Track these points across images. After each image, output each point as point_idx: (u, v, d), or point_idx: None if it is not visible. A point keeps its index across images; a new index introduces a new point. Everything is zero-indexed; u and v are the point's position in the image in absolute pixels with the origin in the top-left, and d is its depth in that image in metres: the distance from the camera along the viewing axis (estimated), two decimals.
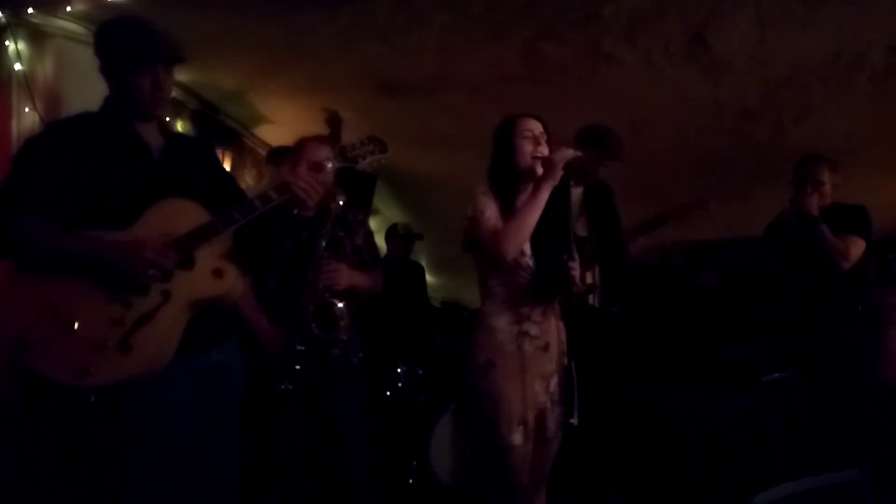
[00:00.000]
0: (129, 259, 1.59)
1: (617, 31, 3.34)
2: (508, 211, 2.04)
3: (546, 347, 2.05)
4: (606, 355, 2.96)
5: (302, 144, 2.34)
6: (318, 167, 1.88)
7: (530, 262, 2.05)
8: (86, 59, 3.04)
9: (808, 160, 3.01)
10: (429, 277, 5.17)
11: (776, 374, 3.03)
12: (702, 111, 3.97)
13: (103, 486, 1.71)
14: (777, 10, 3.12)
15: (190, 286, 1.67)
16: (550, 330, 2.07)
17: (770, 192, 4.63)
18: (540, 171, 2.03)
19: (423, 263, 5.16)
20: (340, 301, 2.24)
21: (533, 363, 2.01)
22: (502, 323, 2.02)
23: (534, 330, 2.03)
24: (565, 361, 2.09)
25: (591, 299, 3.02)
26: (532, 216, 1.96)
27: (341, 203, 2.17)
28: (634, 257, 3.18)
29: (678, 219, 3.17)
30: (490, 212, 2.01)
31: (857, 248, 2.84)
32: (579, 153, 1.99)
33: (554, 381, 2.05)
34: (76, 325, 1.57)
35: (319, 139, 2.37)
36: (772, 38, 3.29)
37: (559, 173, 1.96)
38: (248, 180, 4.86)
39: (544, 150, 2.04)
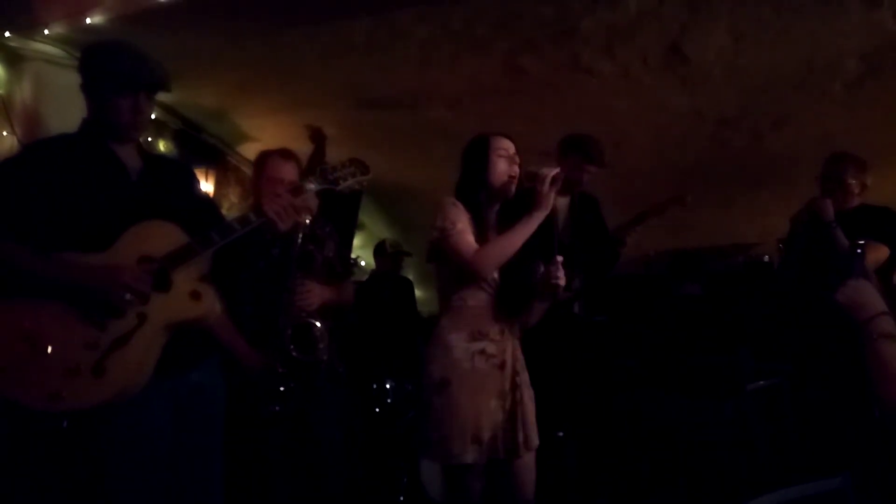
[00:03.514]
0: (105, 284, 1.57)
1: (595, 44, 3.38)
2: (479, 225, 2.02)
3: (502, 365, 2.00)
4: (591, 364, 2.96)
5: (264, 159, 2.32)
6: (298, 190, 1.87)
7: (496, 276, 2.03)
8: (64, 82, 3.04)
9: (834, 158, 2.89)
10: (417, 291, 5.16)
11: (761, 382, 3.04)
12: (680, 121, 4.02)
13: None
14: (751, 21, 3.18)
15: (166, 309, 1.65)
16: (507, 348, 2.03)
17: (750, 198, 4.70)
18: (512, 191, 2.04)
19: (411, 277, 5.16)
20: (318, 321, 2.22)
21: (489, 381, 1.97)
22: (459, 340, 1.97)
23: (491, 348, 1.99)
24: (518, 381, 2.03)
25: (575, 307, 3.03)
26: (517, 242, 1.94)
27: (307, 221, 2.16)
28: (630, 248, 3.16)
29: (658, 214, 3.17)
30: (462, 225, 1.97)
31: (876, 253, 2.62)
32: (558, 170, 1.98)
33: (509, 400, 1.99)
34: (49, 349, 1.55)
35: (281, 153, 2.34)
36: (747, 48, 3.35)
37: (551, 201, 1.94)
38: (233, 198, 4.85)
39: (517, 171, 2.05)
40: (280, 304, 2.15)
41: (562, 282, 1.97)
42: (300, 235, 2.16)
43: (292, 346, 2.15)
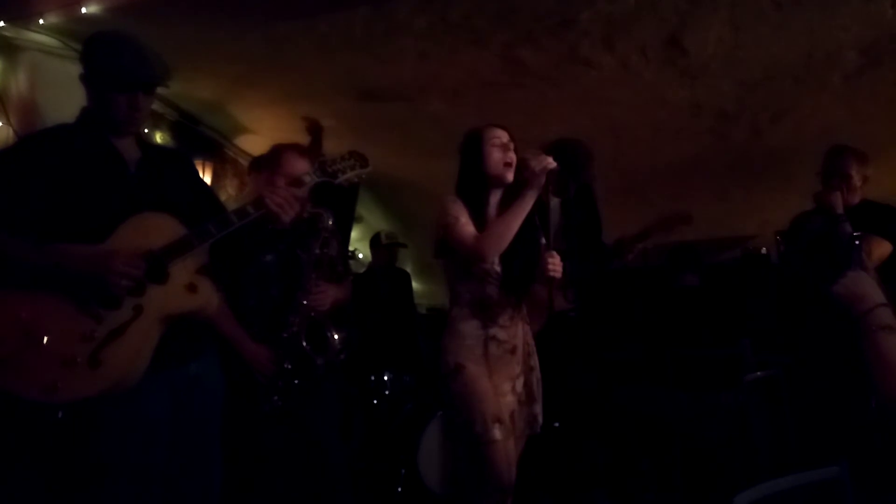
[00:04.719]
0: (99, 270, 1.57)
1: (594, 36, 3.37)
2: (478, 218, 2.06)
3: (513, 350, 2.09)
4: (589, 356, 2.96)
5: (279, 154, 2.31)
6: (297, 182, 1.87)
7: (498, 269, 2.08)
8: (60, 72, 3.03)
9: (835, 152, 2.84)
10: (414, 284, 5.16)
11: (759, 373, 3.05)
12: (679, 113, 4.01)
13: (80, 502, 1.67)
14: (750, 13, 3.16)
15: (163, 301, 1.65)
16: (517, 333, 2.11)
17: (748, 191, 4.70)
18: (510, 178, 2.07)
19: (409, 270, 5.16)
20: (337, 332, 2.23)
21: (500, 365, 2.05)
22: (470, 328, 2.06)
23: (501, 334, 2.07)
24: (532, 363, 2.14)
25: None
26: (515, 222, 1.98)
27: (330, 223, 2.17)
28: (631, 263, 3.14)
29: (664, 231, 3.13)
30: (465, 217, 2.04)
31: (880, 249, 2.63)
32: (555, 164, 2.00)
33: (520, 382, 2.09)
34: (45, 340, 1.54)
35: (298, 149, 2.34)
36: (746, 40, 3.34)
37: (542, 180, 1.98)
38: (230, 190, 4.84)
39: (513, 157, 2.08)
40: (293, 301, 2.17)
41: (558, 273, 1.98)
42: (323, 234, 2.18)
43: (306, 343, 2.16)
